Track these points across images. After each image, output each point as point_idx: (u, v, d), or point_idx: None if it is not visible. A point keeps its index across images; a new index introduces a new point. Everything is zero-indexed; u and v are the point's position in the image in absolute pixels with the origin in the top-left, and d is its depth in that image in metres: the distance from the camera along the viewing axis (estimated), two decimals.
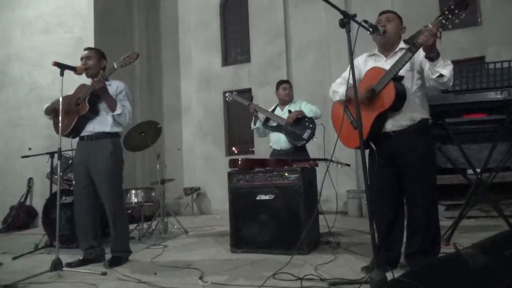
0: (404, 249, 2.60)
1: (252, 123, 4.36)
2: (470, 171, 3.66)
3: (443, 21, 2.20)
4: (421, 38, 2.23)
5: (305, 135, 4.00)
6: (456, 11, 2.15)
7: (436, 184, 2.59)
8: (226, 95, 4.66)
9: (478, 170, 3.55)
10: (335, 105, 2.80)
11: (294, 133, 4.05)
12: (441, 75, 2.30)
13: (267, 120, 4.28)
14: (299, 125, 4.06)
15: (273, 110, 4.35)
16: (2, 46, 7.58)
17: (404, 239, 2.61)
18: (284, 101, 4.32)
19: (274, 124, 4.21)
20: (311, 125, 4.03)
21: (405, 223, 2.62)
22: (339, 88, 2.74)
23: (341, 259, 3.08)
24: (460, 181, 4.00)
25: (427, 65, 2.36)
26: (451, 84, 2.41)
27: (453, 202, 5.02)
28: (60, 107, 3.17)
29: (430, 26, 2.22)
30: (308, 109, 4.13)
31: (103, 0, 7.27)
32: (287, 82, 4.45)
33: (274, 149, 4.27)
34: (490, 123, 3.55)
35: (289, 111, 4.16)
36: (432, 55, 2.28)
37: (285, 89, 4.31)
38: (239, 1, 8.32)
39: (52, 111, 3.49)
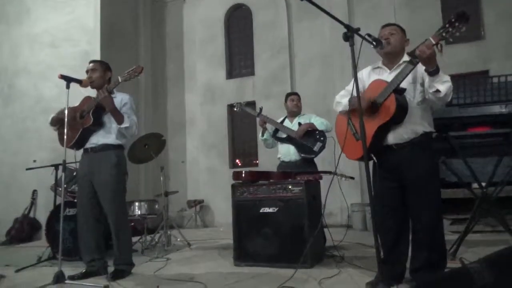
0: (410, 263, 2.55)
1: (260, 134, 4.35)
2: (475, 185, 3.63)
3: (443, 34, 2.21)
4: (417, 50, 2.23)
5: (316, 148, 3.98)
6: (457, 24, 2.16)
7: (441, 198, 2.56)
8: (234, 105, 4.66)
9: (483, 184, 3.53)
10: (339, 117, 2.80)
11: (305, 146, 4.03)
12: (437, 91, 2.30)
13: (276, 131, 4.27)
14: (310, 138, 4.04)
15: (282, 121, 4.33)
16: (10, 60, 7.70)
17: (410, 254, 2.57)
18: (293, 113, 4.32)
19: (284, 135, 4.19)
20: (321, 138, 4.01)
21: (411, 237, 2.58)
22: (342, 99, 2.74)
23: (345, 274, 3.05)
24: (465, 195, 3.97)
25: (426, 78, 2.36)
26: (449, 100, 2.39)
27: (458, 216, 4.97)
28: (66, 119, 3.18)
29: (431, 38, 2.22)
30: (319, 122, 4.12)
31: (109, 14, 7.38)
32: (295, 94, 4.44)
33: (282, 161, 4.23)
34: (495, 136, 3.53)
35: (299, 124, 4.15)
36: (431, 70, 2.27)
37: (293, 101, 4.31)
38: (243, 16, 8.41)
39: (57, 122, 3.50)
